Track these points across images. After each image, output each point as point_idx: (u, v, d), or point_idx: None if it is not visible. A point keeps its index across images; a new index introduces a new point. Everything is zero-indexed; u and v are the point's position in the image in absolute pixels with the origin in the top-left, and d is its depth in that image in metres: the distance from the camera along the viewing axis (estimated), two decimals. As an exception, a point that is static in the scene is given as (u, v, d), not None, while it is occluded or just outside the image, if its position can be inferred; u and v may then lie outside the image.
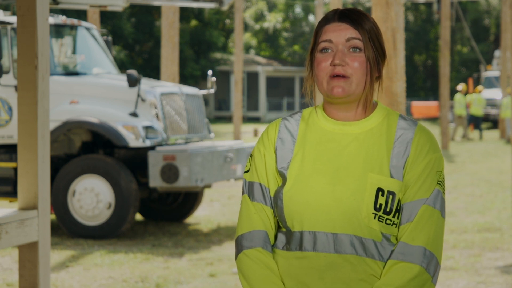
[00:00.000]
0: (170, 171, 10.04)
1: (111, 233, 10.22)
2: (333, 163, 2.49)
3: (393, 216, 2.46)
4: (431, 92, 52.56)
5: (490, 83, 35.59)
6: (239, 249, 2.56)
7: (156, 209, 11.77)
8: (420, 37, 53.65)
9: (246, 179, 2.60)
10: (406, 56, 41.87)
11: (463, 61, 53.71)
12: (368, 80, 2.50)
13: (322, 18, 2.56)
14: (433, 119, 40.17)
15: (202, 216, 12.11)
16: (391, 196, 2.46)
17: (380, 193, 2.45)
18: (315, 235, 2.46)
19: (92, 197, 10.20)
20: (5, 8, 11.73)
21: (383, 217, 2.45)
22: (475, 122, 29.72)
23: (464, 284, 7.67)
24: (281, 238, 2.54)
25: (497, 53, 37.96)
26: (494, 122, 34.70)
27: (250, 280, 2.51)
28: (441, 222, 2.49)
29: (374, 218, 2.44)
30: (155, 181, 10.13)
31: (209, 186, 11.09)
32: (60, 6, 10.23)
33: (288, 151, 2.56)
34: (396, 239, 2.49)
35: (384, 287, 2.43)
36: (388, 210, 2.45)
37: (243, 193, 2.61)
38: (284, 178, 2.53)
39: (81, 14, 28.47)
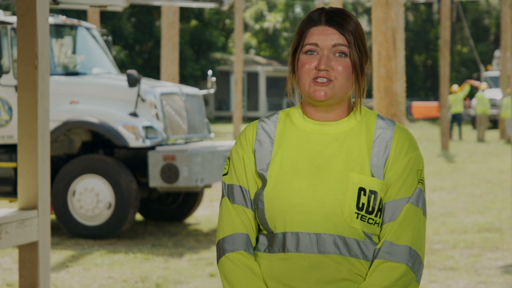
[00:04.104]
0: (170, 171, 10.04)
1: (111, 233, 10.21)
2: (314, 164, 2.48)
3: (375, 215, 2.46)
4: (431, 92, 52.53)
5: (490, 83, 35.57)
6: (221, 252, 2.53)
7: (156, 209, 11.77)
8: (420, 37, 53.63)
9: (225, 182, 2.57)
10: (406, 56, 41.86)
11: (463, 61, 53.69)
12: (352, 83, 2.51)
13: (306, 18, 2.53)
14: (433, 120, 40.17)
15: (202, 216, 12.11)
16: (373, 195, 2.45)
17: (362, 192, 2.45)
18: (298, 236, 2.45)
19: (92, 197, 10.20)
20: (5, 8, 11.73)
21: (366, 217, 2.45)
22: (458, 120, 29.28)
23: (464, 284, 7.67)
24: (263, 240, 2.52)
25: (497, 53, 37.95)
26: (494, 122, 34.68)
27: (233, 284, 2.49)
28: (423, 221, 2.50)
29: (357, 218, 2.44)
30: (155, 181, 10.13)
31: (209, 186, 11.08)
32: (60, 6, 10.22)
33: (266, 152, 2.54)
34: (378, 238, 2.49)
35: (371, 287, 2.43)
36: (370, 209, 2.45)
37: (222, 196, 2.58)
38: (264, 180, 2.51)
39: (81, 14, 28.47)
